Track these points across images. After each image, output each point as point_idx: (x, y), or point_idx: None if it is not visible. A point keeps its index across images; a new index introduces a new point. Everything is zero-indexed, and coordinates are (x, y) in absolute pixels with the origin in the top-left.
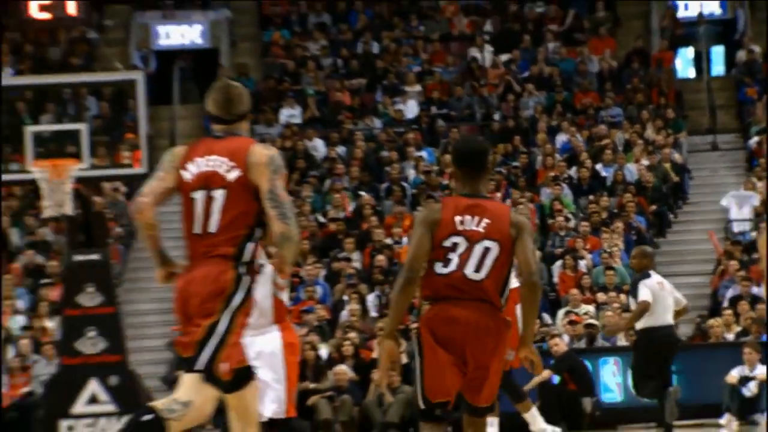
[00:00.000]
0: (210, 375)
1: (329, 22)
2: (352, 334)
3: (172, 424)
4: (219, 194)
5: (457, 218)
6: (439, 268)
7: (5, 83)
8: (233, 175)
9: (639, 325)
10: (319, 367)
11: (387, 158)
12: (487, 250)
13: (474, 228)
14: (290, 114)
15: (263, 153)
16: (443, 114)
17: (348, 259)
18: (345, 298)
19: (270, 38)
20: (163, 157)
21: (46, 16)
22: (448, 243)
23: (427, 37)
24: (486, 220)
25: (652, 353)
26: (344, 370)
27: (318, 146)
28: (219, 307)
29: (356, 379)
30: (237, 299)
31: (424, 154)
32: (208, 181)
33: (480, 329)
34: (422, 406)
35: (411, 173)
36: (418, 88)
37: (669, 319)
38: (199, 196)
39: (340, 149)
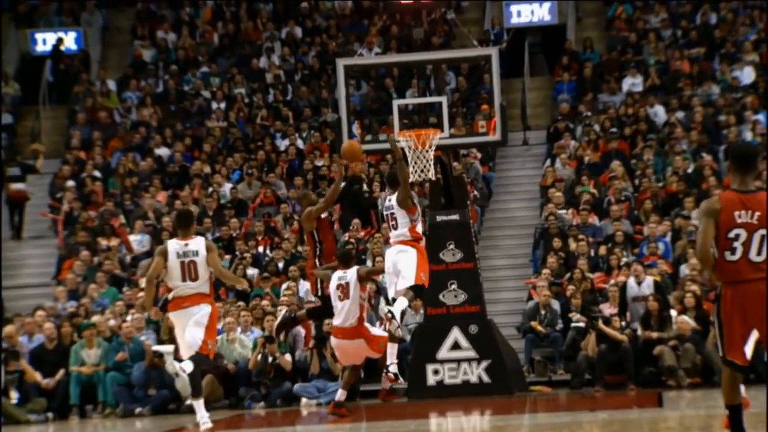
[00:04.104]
0: None
1: None
2: (694, 287)
3: None
4: None
5: (735, 213)
6: (727, 255)
7: (374, 62)
8: None
9: None
10: (662, 317)
11: (724, 122)
12: (763, 237)
13: (749, 221)
14: (632, 83)
15: None
16: None
17: (688, 217)
18: (686, 253)
19: (613, 13)
20: None
21: (410, 0)
22: (731, 234)
23: (764, 8)
24: (758, 213)
25: None
26: (686, 320)
27: (659, 112)
28: None
29: (698, 328)
30: None
31: (760, 117)
32: None
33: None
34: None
35: (748, 136)
36: (754, 56)
37: None
38: None
39: (680, 114)
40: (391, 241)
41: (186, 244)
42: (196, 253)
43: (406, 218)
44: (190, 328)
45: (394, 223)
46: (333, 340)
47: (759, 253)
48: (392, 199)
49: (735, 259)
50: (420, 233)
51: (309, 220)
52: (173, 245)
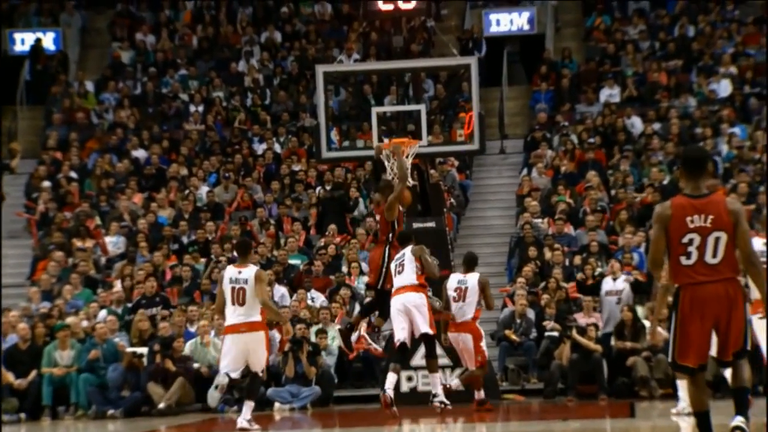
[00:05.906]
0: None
1: (647, 7)
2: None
3: None
4: None
5: (687, 218)
6: (683, 260)
7: (353, 68)
8: None
9: None
10: (636, 328)
11: (701, 134)
12: (717, 239)
13: (702, 224)
14: (609, 93)
15: None
16: (756, 93)
17: None
18: None
19: (592, 24)
20: None
21: (390, 7)
22: (684, 240)
23: (742, 21)
24: (711, 216)
25: None
26: (660, 331)
27: (635, 123)
28: None
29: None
30: None
31: (736, 130)
32: None
33: (729, 300)
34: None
35: (724, 148)
36: (732, 69)
37: None
38: None
39: (656, 126)
40: (398, 284)
41: (240, 272)
42: (246, 281)
43: (413, 266)
44: (253, 354)
45: (401, 269)
46: (450, 335)
47: (714, 256)
48: (404, 252)
49: (690, 263)
50: (424, 281)
51: (392, 209)
52: (229, 271)
